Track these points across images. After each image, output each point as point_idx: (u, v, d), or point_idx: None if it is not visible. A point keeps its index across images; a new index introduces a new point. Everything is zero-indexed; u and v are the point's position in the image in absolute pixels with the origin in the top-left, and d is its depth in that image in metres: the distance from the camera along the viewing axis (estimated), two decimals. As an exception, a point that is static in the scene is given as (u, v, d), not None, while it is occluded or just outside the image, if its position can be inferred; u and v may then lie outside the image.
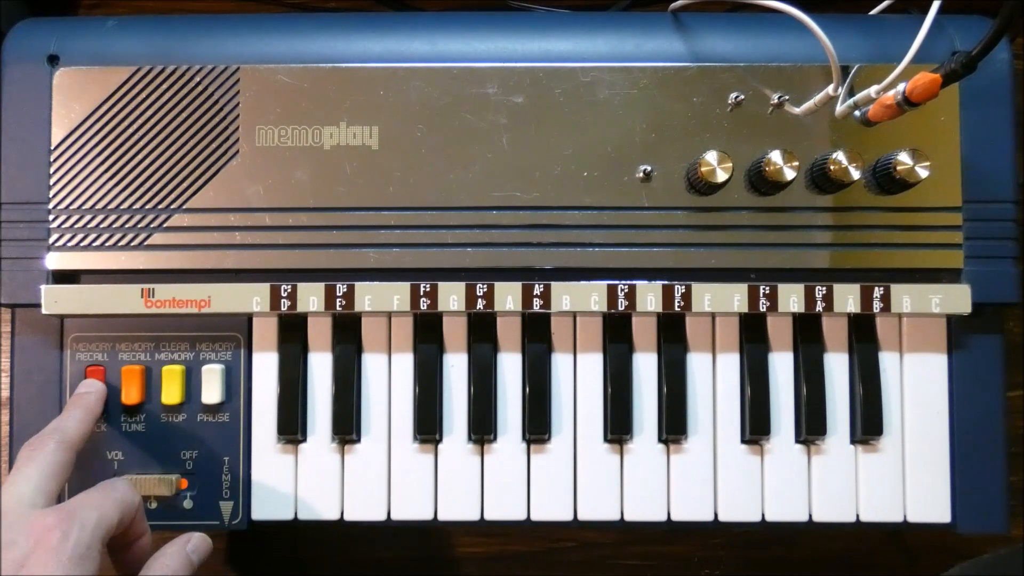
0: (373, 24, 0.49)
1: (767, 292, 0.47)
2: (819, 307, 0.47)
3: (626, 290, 0.47)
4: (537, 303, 0.47)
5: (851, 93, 0.46)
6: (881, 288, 0.47)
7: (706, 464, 0.48)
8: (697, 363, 0.48)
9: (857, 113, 0.46)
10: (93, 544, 0.37)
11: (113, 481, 0.41)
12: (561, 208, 0.47)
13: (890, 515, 0.47)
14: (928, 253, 0.47)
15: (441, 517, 0.47)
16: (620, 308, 0.47)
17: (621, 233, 0.47)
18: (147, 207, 0.47)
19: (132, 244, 0.47)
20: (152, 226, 0.47)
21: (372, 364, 0.48)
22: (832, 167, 0.45)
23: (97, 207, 0.47)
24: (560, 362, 0.49)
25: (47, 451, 0.41)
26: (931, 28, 0.43)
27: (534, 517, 0.48)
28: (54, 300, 0.46)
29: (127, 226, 0.47)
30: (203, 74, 0.47)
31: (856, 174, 0.45)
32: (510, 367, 0.48)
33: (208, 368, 0.48)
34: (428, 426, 0.47)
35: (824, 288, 0.47)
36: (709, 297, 0.47)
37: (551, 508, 0.48)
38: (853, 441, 0.48)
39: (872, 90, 0.44)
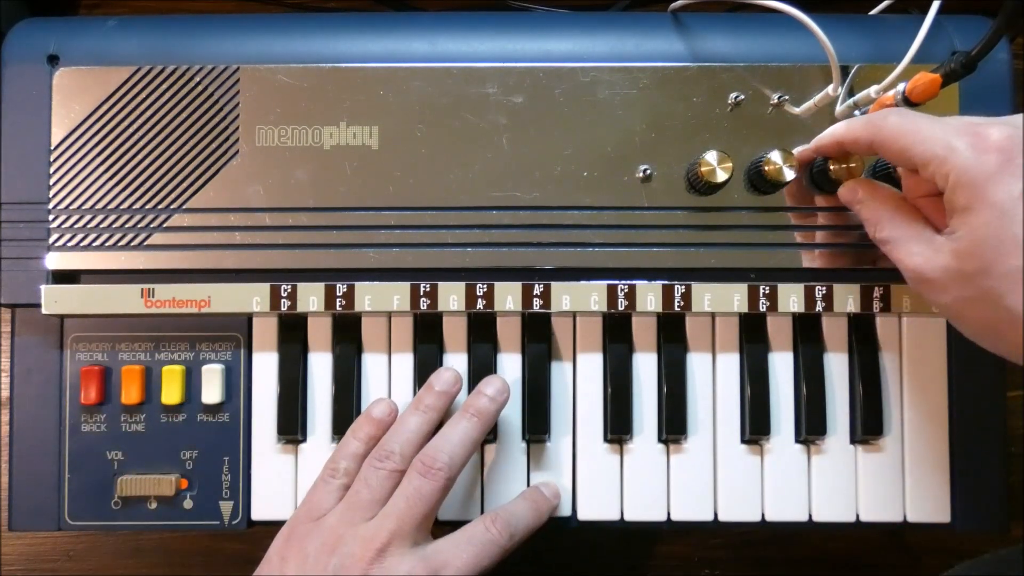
0: (373, 24, 0.49)
1: (767, 292, 0.47)
2: (819, 307, 0.47)
3: (626, 290, 0.47)
4: (537, 303, 0.47)
5: (851, 93, 0.46)
6: (881, 288, 0.47)
7: (706, 464, 0.48)
8: (697, 363, 0.48)
9: (857, 113, 0.46)
10: None
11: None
12: (561, 208, 0.47)
13: (890, 515, 0.47)
14: (928, 253, 0.47)
15: (441, 517, 0.47)
16: (620, 308, 0.47)
17: (621, 233, 0.47)
18: (147, 207, 0.47)
19: (132, 244, 0.47)
20: (152, 226, 0.47)
21: (372, 364, 0.48)
22: (832, 167, 0.45)
23: (97, 207, 0.47)
24: (560, 362, 0.49)
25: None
26: (931, 28, 0.43)
27: (534, 517, 0.48)
28: (54, 300, 0.46)
29: (127, 226, 0.47)
30: (203, 74, 0.47)
31: (855, 172, 0.45)
32: (510, 367, 0.48)
33: (208, 368, 0.48)
34: (428, 426, 0.47)
35: (824, 288, 0.47)
36: (709, 297, 0.47)
37: (551, 508, 0.48)
38: (853, 441, 0.48)
39: (872, 90, 0.44)
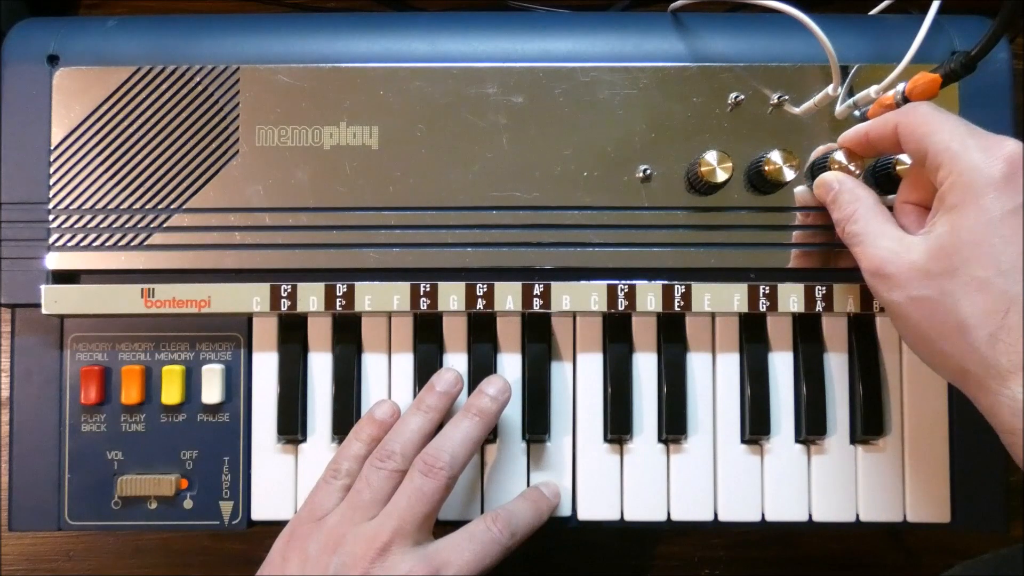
0: (373, 24, 0.49)
1: (767, 292, 0.47)
2: (819, 307, 0.47)
3: (626, 290, 0.47)
4: (537, 303, 0.47)
5: (851, 93, 0.46)
6: (881, 288, 0.47)
7: (706, 464, 0.48)
8: (697, 363, 0.48)
9: (857, 113, 0.46)
10: None
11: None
12: (561, 208, 0.47)
13: (890, 515, 0.47)
14: (928, 253, 0.47)
15: (441, 517, 0.47)
16: (620, 308, 0.47)
17: (621, 233, 0.47)
18: (147, 207, 0.47)
19: (132, 244, 0.47)
20: (152, 226, 0.47)
21: (372, 364, 0.49)
22: (832, 167, 0.45)
23: (97, 207, 0.47)
24: (560, 362, 0.49)
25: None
26: (931, 28, 0.43)
27: (534, 517, 0.48)
28: (54, 300, 0.46)
29: (127, 226, 0.47)
30: (203, 74, 0.47)
31: (856, 173, 0.45)
32: (510, 367, 0.48)
33: (208, 368, 0.48)
34: (428, 426, 0.47)
35: (824, 288, 0.47)
36: (709, 297, 0.47)
37: (551, 508, 0.48)
38: (853, 441, 0.48)
39: (872, 90, 0.44)
